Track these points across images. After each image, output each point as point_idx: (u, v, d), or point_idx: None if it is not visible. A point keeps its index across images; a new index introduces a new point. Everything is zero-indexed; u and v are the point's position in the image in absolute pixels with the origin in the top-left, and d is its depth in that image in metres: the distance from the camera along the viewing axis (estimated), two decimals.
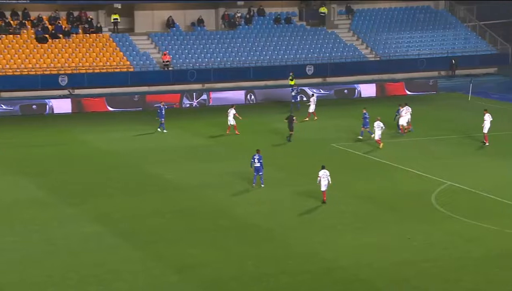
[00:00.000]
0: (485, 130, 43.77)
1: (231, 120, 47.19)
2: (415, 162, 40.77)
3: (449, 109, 53.34)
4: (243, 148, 43.95)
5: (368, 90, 60.48)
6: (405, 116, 46.53)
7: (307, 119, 50.70)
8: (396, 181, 37.93)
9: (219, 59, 64.06)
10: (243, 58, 64.71)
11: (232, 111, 47.24)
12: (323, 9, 69.41)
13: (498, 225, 31.30)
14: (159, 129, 48.19)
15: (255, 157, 36.32)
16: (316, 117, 50.96)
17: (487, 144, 43.59)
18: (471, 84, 58.02)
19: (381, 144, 43.19)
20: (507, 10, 69.65)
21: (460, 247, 29.32)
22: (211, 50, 64.72)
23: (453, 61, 66.60)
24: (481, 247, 29.26)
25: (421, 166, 40.01)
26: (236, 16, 67.72)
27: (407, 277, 26.72)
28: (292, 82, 58.88)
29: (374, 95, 60.08)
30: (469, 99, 56.96)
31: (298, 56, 65.81)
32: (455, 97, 55.19)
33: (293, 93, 54.60)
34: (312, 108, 51.21)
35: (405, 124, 46.58)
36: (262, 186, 36.40)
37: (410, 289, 25.91)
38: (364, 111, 45.40)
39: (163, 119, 48.04)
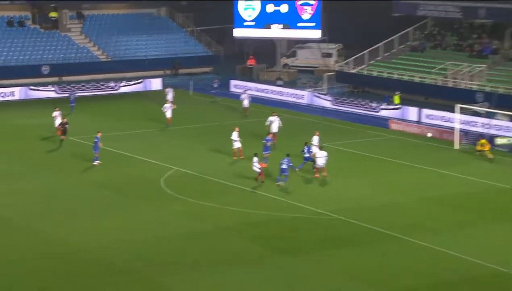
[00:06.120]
0: (272, 130, 42.19)
1: (57, 124, 43.55)
2: (144, 151, 41.11)
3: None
4: None
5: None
6: (169, 110, 47.06)
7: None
8: (129, 169, 38.03)
9: None
10: None
11: (56, 114, 43.67)
12: (53, 14, 67.66)
13: (219, 203, 32.58)
14: None
15: None
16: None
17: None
18: (191, 82, 59.79)
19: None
20: (219, 18, 72.30)
21: (187, 224, 30.14)
22: None
23: (176, 61, 68.08)
24: (205, 223, 30.28)
25: (150, 154, 40.44)
26: None
27: (141, 254, 27.06)
28: None
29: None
30: (190, 95, 58.50)
31: (33, 57, 63.62)
32: (179, 94, 56.30)
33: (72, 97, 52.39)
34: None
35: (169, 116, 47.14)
36: None
37: (144, 263, 26.24)
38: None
39: None
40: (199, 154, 41.10)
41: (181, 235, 28.90)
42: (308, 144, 37.49)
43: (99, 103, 55.47)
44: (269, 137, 39.00)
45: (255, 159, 35.19)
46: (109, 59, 66.60)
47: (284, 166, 34.35)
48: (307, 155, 36.85)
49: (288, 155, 34.90)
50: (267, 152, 37.49)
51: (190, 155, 40.97)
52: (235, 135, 39.32)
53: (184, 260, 26.57)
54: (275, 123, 42.59)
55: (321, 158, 35.85)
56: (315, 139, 38.56)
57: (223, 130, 46.74)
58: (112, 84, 60.24)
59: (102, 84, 60.13)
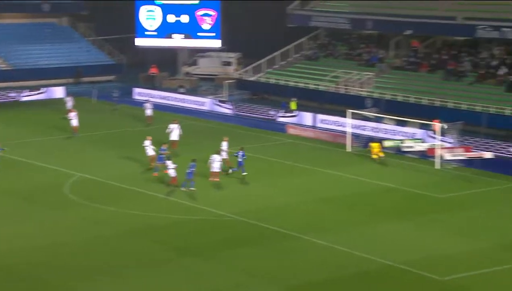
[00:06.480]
0: (172, 137, 41.26)
1: None
2: (48, 158, 39.87)
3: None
4: None
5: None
6: (74, 119, 45.37)
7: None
8: (32, 176, 36.78)
9: None
10: None
11: None
12: None
13: (124, 208, 31.95)
14: None
15: None
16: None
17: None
18: (94, 90, 58.63)
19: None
20: (121, 27, 71.27)
21: (90, 229, 29.38)
22: None
23: (79, 70, 66.57)
24: (109, 228, 29.61)
25: (54, 161, 39.27)
26: None
27: (44, 259, 26.20)
28: None
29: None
30: (93, 102, 57.31)
31: None
32: (82, 101, 55.05)
33: None
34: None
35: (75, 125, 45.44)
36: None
37: (46, 268, 25.40)
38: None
39: None
40: (103, 160, 40.22)
41: (85, 240, 28.12)
42: (242, 149, 37.23)
43: (1, 112, 53.38)
44: (164, 147, 38.16)
45: (169, 162, 34.73)
46: (10, 68, 64.41)
47: (188, 170, 34.05)
48: (240, 159, 36.67)
49: (194, 160, 34.60)
50: (160, 162, 36.76)
51: (94, 161, 40.03)
52: (147, 143, 38.22)
53: (87, 265, 25.83)
54: (175, 131, 42.12)
55: (217, 161, 35.58)
56: (224, 145, 38.26)
57: (127, 137, 46.03)
58: (13, 94, 58.18)
59: (3, 94, 58.00)
